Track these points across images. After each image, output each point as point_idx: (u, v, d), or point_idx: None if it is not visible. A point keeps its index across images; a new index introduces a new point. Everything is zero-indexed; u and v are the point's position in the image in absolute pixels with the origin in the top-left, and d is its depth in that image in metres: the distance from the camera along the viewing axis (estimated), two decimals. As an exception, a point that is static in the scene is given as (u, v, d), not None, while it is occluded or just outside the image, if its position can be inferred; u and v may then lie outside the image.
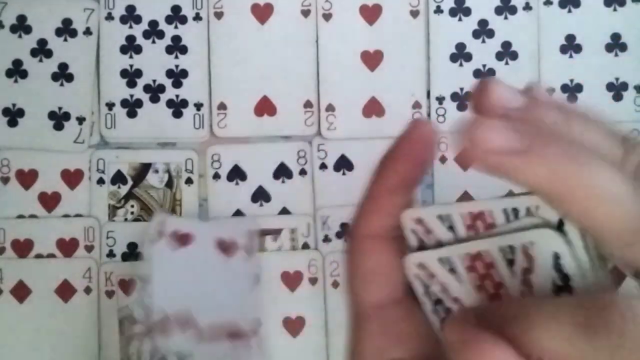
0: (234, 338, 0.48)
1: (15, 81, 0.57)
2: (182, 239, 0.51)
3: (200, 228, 0.53)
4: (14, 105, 0.57)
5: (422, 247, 0.24)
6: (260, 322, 0.51)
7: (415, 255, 0.24)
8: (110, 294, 0.56)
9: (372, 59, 0.58)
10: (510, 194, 0.23)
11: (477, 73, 0.58)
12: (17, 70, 0.57)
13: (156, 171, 0.58)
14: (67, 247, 0.57)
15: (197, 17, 0.58)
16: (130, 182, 0.57)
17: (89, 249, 0.57)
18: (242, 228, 0.53)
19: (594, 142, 0.21)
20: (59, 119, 0.57)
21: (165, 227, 0.52)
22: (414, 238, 0.24)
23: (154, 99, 0.57)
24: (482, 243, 0.23)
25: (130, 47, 0.57)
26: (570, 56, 0.59)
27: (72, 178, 0.57)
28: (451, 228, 0.23)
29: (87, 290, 0.56)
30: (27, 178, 0.57)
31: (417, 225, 0.24)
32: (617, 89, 0.59)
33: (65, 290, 0.56)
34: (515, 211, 0.22)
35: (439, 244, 0.23)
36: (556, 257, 0.22)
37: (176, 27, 0.58)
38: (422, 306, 0.24)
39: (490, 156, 0.20)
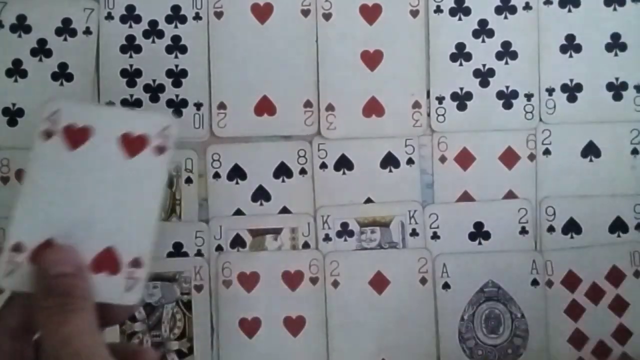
0: (100, 270, 0.38)
1: (15, 81, 0.57)
2: (78, 135, 0.40)
3: (102, 119, 0.41)
4: (13, 104, 0.57)
5: None
6: (145, 256, 0.40)
7: None
8: (110, 293, 0.56)
9: (372, 59, 0.58)
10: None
11: (477, 73, 0.58)
12: (17, 70, 0.57)
13: (156, 171, 0.57)
14: (67, 246, 0.57)
15: (197, 17, 0.58)
16: (130, 182, 0.57)
17: (89, 248, 0.57)
18: (157, 122, 0.42)
19: None
20: (59, 118, 0.57)
21: (60, 118, 0.40)
22: None
23: (154, 99, 0.58)
24: None
25: (130, 46, 0.57)
26: (570, 56, 0.59)
27: (72, 178, 0.57)
28: None
29: (87, 290, 0.56)
30: (27, 178, 0.57)
31: None
32: (617, 89, 0.59)
33: (65, 290, 0.56)
34: None
35: None
36: None
37: (176, 26, 0.58)
38: None
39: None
